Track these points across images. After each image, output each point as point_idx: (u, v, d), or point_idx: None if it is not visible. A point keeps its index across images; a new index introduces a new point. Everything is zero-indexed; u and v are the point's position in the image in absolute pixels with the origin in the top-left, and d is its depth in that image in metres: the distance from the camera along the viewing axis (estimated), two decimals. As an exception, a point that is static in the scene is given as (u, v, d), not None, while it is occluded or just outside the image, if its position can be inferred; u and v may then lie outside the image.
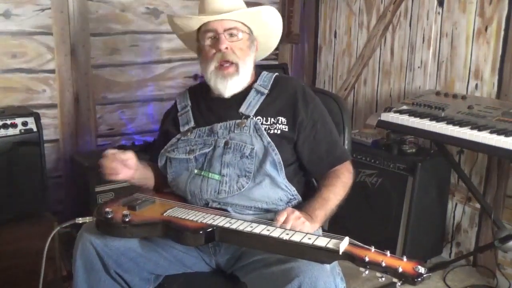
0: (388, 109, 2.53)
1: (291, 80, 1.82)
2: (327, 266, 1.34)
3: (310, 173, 1.73)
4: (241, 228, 1.39)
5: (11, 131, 2.31)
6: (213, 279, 1.64)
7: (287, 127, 1.65)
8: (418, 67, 2.89)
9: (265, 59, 1.93)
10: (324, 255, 1.28)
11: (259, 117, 1.65)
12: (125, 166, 1.61)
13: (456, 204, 2.79)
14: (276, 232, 1.36)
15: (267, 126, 1.64)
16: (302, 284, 1.30)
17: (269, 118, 1.65)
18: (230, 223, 1.43)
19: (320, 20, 3.51)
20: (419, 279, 1.16)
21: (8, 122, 2.31)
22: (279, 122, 1.65)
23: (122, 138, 3.10)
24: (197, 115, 1.74)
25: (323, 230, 1.57)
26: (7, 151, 2.31)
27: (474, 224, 2.72)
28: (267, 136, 1.61)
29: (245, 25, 1.69)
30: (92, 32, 2.89)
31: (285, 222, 1.41)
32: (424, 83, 2.86)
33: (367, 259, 1.21)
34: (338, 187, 1.62)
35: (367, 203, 2.72)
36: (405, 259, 1.21)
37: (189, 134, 1.70)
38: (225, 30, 1.65)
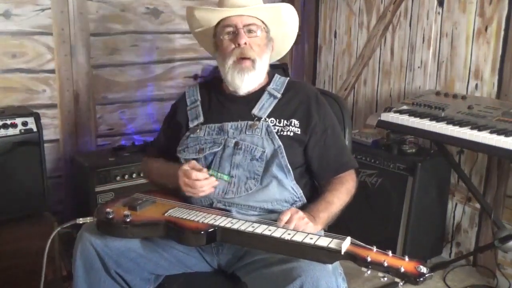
0: (388, 109, 2.53)
1: (304, 84, 1.84)
2: (329, 266, 1.34)
3: (316, 177, 1.74)
4: (242, 228, 1.39)
5: (11, 131, 2.31)
6: (213, 279, 1.64)
7: (299, 129, 1.66)
8: (418, 67, 2.89)
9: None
10: (326, 255, 1.28)
11: (272, 119, 1.66)
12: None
13: (456, 204, 2.79)
14: (277, 232, 1.36)
15: (280, 128, 1.64)
16: (304, 284, 1.30)
17: (282, 120, 1.66)
18: (232, 223, 1.42)
19: (320, 20, 3.51)
20: (421, 278, 1.17)
21: (8, 122, 2.31)
22: (292, 124, 1.66)
23: (122, 138, 3.10)
24: (207, 111, 1.74)
25: (324, 231, 1.58)
26: (7, 151, 2.30)
27: (474, 224, 2.72)
28: (278, 139, 1.61)
29: (263, 23, 1.71)
30: (92, 32, 2.88)
31: (288, 221, 1.42)
32: (424, 83, 2.86)
33: (369, 259, 1.21)
34: (342, 192, 1.63)
35: (367, 203, 2.72)
36: (407, 259, 1.21)
37: (198, 131, 1.69)
38: (244, 26, 1.66)
